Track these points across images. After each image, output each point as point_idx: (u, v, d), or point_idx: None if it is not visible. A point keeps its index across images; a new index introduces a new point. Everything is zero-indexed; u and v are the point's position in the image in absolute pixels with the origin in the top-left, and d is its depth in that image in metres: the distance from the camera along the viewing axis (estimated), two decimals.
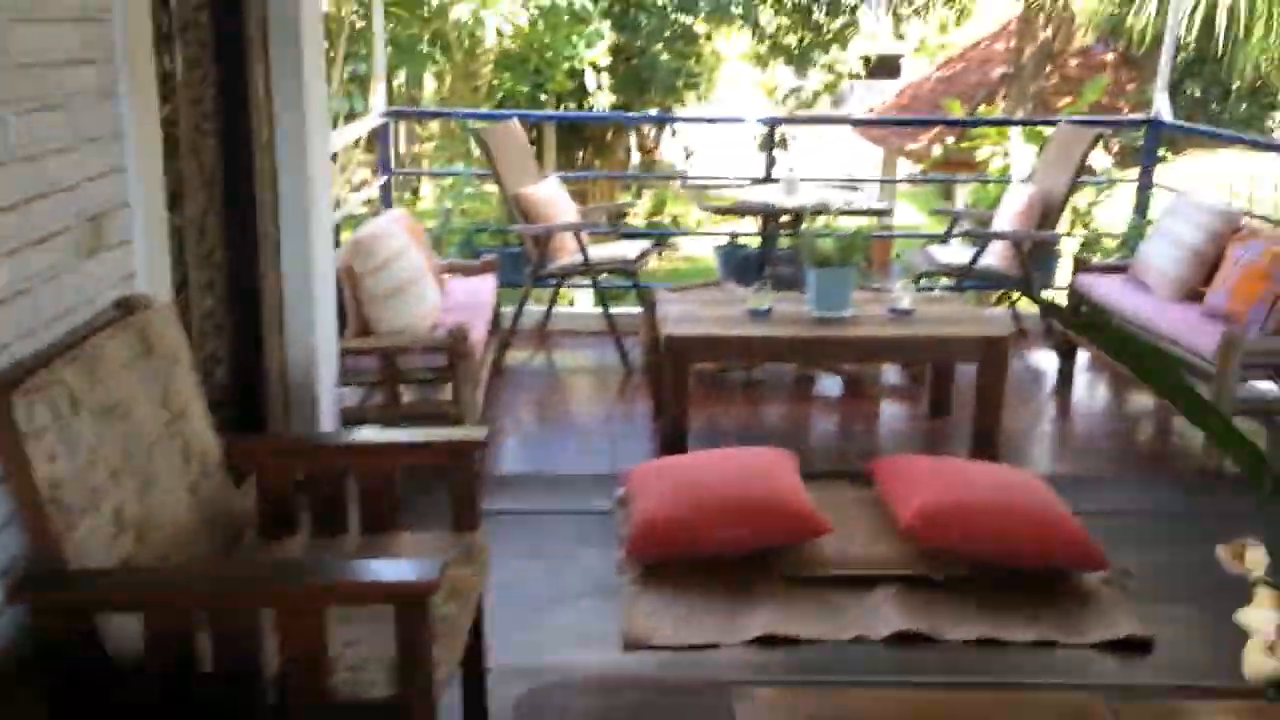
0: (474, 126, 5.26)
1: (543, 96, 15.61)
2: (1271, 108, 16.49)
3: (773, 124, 6.11)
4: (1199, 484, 4.09)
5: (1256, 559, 1.46)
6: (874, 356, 4.63)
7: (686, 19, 16.20)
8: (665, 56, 16.39)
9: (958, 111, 14.79)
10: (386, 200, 5.89)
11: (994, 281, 5.48)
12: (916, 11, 17.50)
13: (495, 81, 15.35)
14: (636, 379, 5.25)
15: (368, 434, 3.12)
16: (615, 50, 14.29)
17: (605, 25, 13.34)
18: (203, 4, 3.03)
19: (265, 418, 3.69)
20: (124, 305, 2.26)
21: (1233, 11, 9.23)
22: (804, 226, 4.31)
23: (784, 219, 5.47)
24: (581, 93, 14.60)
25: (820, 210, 4.87)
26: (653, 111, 18.28)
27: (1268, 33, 9.51)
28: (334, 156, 12.04)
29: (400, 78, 14.10)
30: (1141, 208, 5.91)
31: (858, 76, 29.61)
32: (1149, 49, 14.50)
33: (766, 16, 17.37)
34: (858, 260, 4.19)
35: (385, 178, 5.86)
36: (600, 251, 5.43)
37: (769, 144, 6.09)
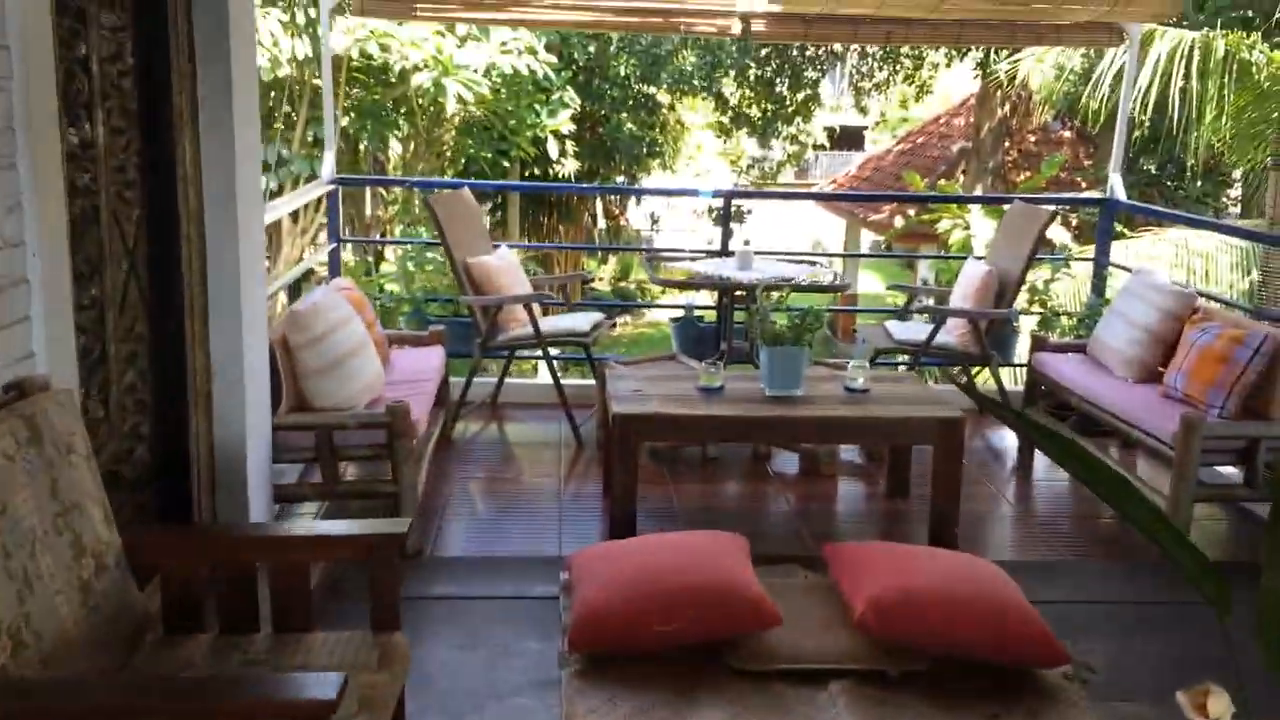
0: (424, 195, 5.11)
1: (506, 163, 15.64)
2: (1225, 185, 16.81)
3: (727, 196, 6.05)
4: (1160, 572, 3.99)
5: (1220, 709, 1.33)
6: (827, 437, 4.52)
7: (650, 89, 16.33)
8: (629, 126, 16.49)
9: (918, 185, 14.96)
10: (334, 268, 5.75)
11: (952, 359, 5.41)
12: (877, 86, 17.72)
13: (459, 147, 15.36)
14: (589, 454, 5.11)
15: (281, 527, 2.95)
16: (579, 119, 14.34)
17: (569, 94, 13.35)
18: (126, 70, 2.91)
19: (190, 499, 3.51)
20: (16, 389, 2.10)
21: (1185, 94, 9.37)
22: (759, 302, 4.20)
23: (739, 293, 5.38)
24: (546, 159, 14.61)
25: (773, 286, 4.78)
26: (619, 180, 18.41)
27: (1219, 114, 9.65)
28: (295, 216, 11.93)
29: (365, 142, 14.08)
30: (1098, 286, 5.90)
31: (822, 148, 30.06)
32: (1104, 127, 14.80)
33: (730, 88, 17.55)
34: (810, 339, 4.09)
35: (333, 245, 5.73)
36: (552, 323, 5.31)
37: (724, 217, 6.04)
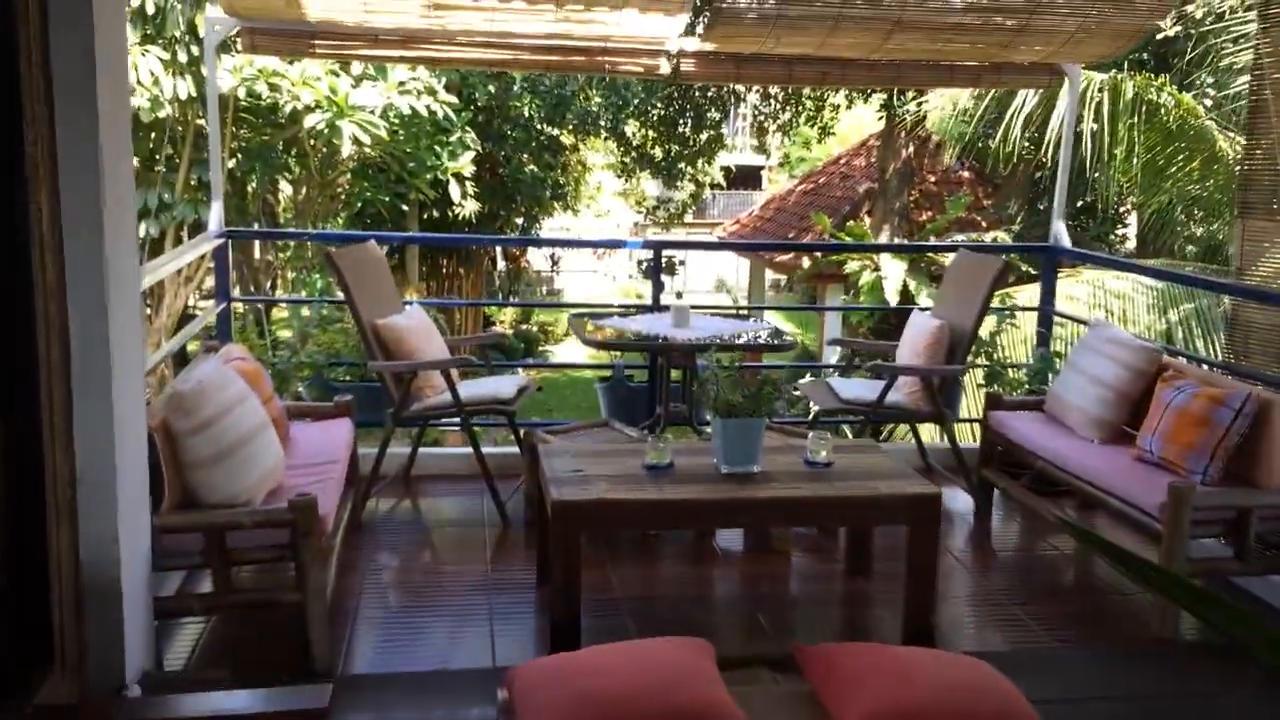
0: (327, 249, 4.59)
1: (404, 206, 15.05)
2: (1119, 224, 17.14)
3: (657, 248, 5.63)
4: (1156, 657, 3.67)
5: None
6: (794, 520, 4.12)
7: (553, 130, 15.95)
8: (531, 167, 16.07)
9: (825, 225, 14.88)
10: (224, 331, 5.15)
11: (903, 417, 5.07)
12: (781, 128, 17.67)
13: (354, 190, 14.72)
14: (515, 532, 4.62)
15: (161, 704, 2.40)
16: (480, 160, 13.85)
17: (470, 135, 12.88)
18: None
19: (51, 623, 2.93)
20: None
21: (1097, 137, 9.38)
22: (709, 368, 3.78)
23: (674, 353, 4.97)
24: (446, 202, 14.09)
25: (723, 347, 4.39)
26: (519, 221, 17.96)
27: (1127, 156, 9.68)
28: (183, 266, 11.12)
29: (254, 185, 13.39)
30: (1044, 336, 5.66)
31: (719, 187, 30.05)
32: (1007, 168, 14.93)
33: (632, 128, 17.29)
34: (768, 410, 3.69)
35: (222, 304, 5.14)
36: (472, 389, 4.81)
37: (655, 269, 5.62)
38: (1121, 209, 16.59)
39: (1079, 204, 16.65)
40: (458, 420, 4.75)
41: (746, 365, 5.16)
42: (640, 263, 19.96)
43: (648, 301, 5.63)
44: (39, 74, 2.60)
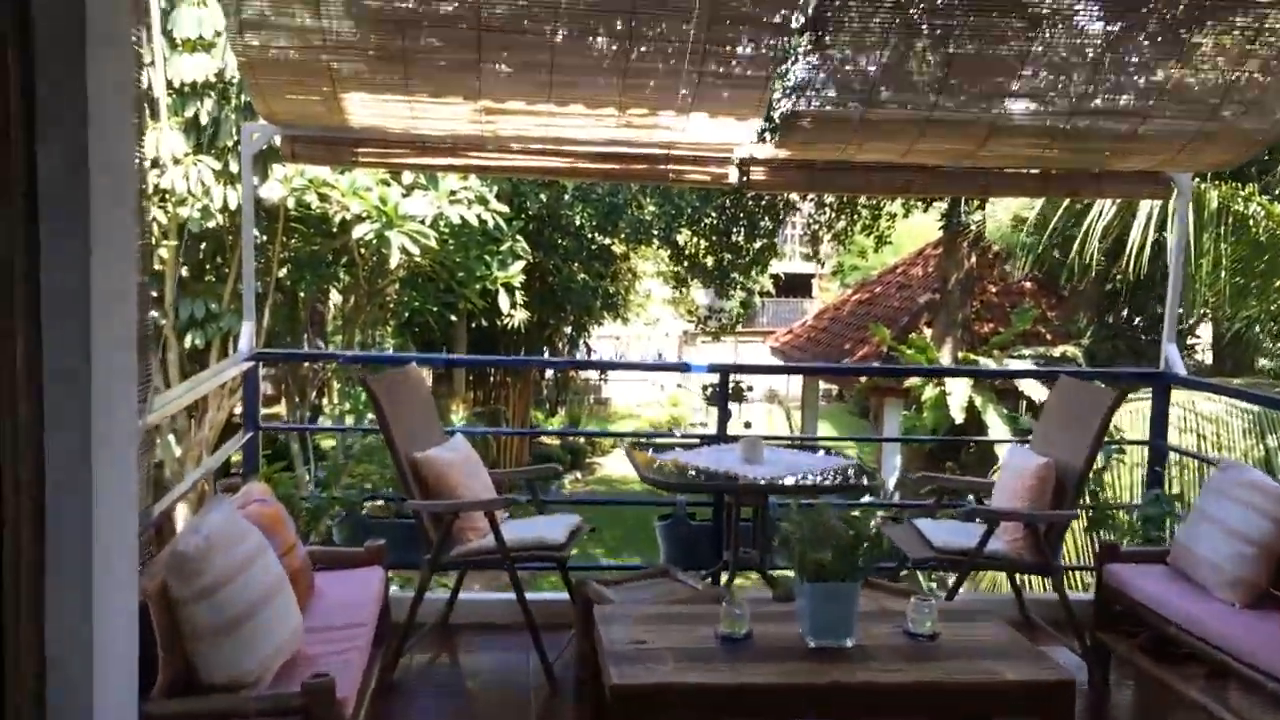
0: (363, 375, 4.16)
1: (453, 316, 14.79)
2: (1189, 335, 16.43)
3: (724, 372, 5.13)
4: None
5: None
6: (895, 711, 3.51)
7: (604, 239, 15.72)
8: (582, 276, 15.81)
9: (885, 337, 14.36)
10: (250, 461, 4.72)
11: (1003, 566, 4.48)
12: (836, 236, 17.33)
13: (403, 300, 14.51)
14: (564, 701, 4.07)
15: None
16: (530, 269, 13.59)
17: (521, 244, 12.63)
18: None
19: None
20: None
21: (1186, 247, 8.86)
22: (790, 520, 3.24)
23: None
24: (494, 311, 13.77)
25: (799, 488, 3.87)
26: (591, 340, 17.76)
27: (1214, 268, 9.13)
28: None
29: (303, 294, 13.23)
30: (1156, 475, 5.06)
31: (769, 294, 29.74)
32: (1078, 280, 14.40)
33: (684, 237, 17.02)
34: (865, 571, 3.15)
35: (249, 434, 4.71)
36: (519, 532, 4.31)
37: (721, 396, 5.11)
38: (1192, 321, 15.95)
39: (1138, 318, 16.06)
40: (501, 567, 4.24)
41: (815, 500, 4.60)
42: (706, 388, 19.43)
43: (711, 429, 5.13)
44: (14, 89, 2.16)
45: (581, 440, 25.70)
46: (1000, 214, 16.15)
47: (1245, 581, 3.83)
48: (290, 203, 10.72)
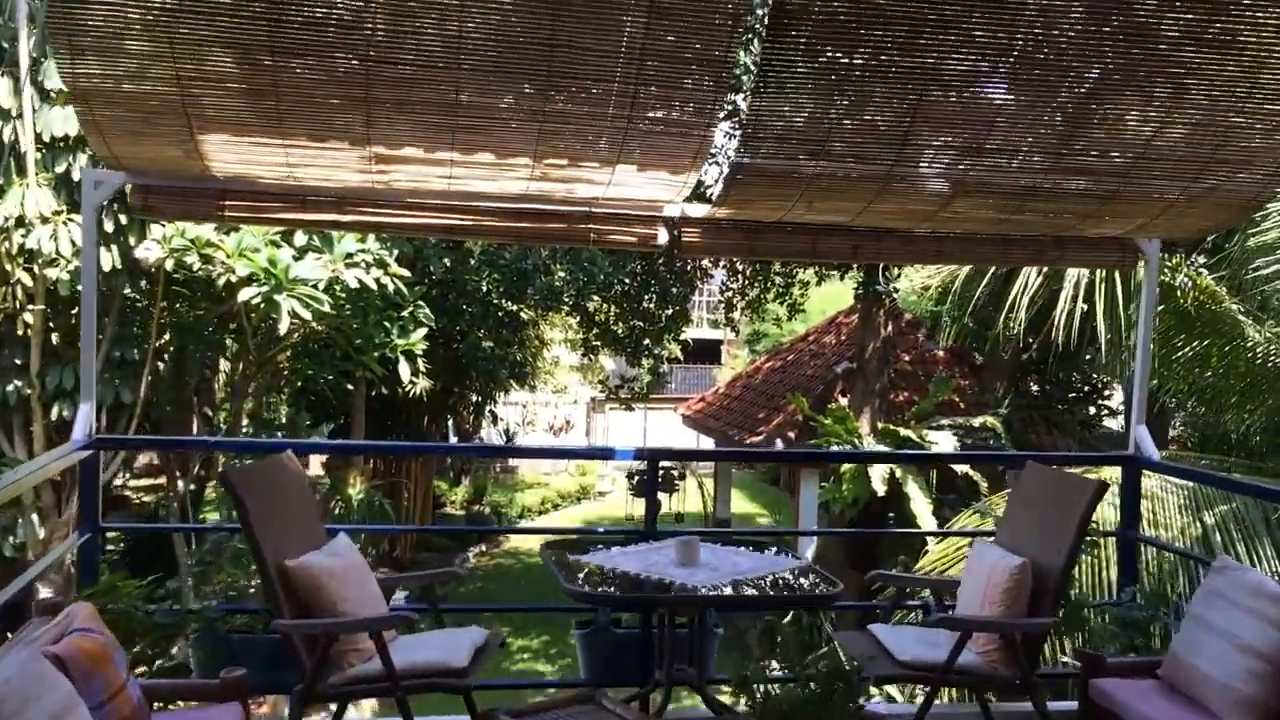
0: (223, 472, 3.44)
1: (349, 385, 13.95)
2: (1093, 401, 16.39)
3: (651, 458, 4.51)
4: None
5: None
6: None
7: (511, 306, 15.07)
8: (488, 344, 15.11)
9: (802, 406, 13.93)
10: (88, 569, 3.92)
11: (977, 683, 3.91)
12: (750, 304, 16.97)
13: (296, 368, 13.63)
14: None
15: None
16: (433, 335, 12.85)
17: (423, 311, 11.93)
18: None
19: None
20: None
21: (1088, 316, 8.65)
22: (753, 660, 2.64)
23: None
24: (396, 378, 12.96)
25: (745, 604, 3.26)
26: (499, 420, 16.77)
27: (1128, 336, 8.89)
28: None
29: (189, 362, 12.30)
30: (1129, 568, 4.58)
31: (678, 361, 29.35)
32: (991, 349, 14.21)
33: (594, 304, 16.46)
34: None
35: (87, 534, 3.93)
36: (413, 653, 3.60)
37: (650, 485, 4.47)
38: (1102, 388, 15.91)
39: (1050, 387, 15.97)
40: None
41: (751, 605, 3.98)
42: (631, 476, 18.54)
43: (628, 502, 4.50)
44: None
45: (487, 510, 24.75)
46: (905, 283, 16.02)
47: (1259, 704, 3.32)
48: (171, 264, 9.87)
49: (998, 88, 3.34)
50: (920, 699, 3.91)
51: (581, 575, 3.83)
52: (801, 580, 3.84)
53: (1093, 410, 15.65)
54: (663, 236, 4.17)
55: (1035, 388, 15.35)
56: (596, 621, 4.32)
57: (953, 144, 3.49)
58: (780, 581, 3.83)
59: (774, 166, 3.52)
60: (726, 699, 3.93)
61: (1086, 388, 15.79)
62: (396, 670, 3.44)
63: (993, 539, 4.32)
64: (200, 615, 3.95)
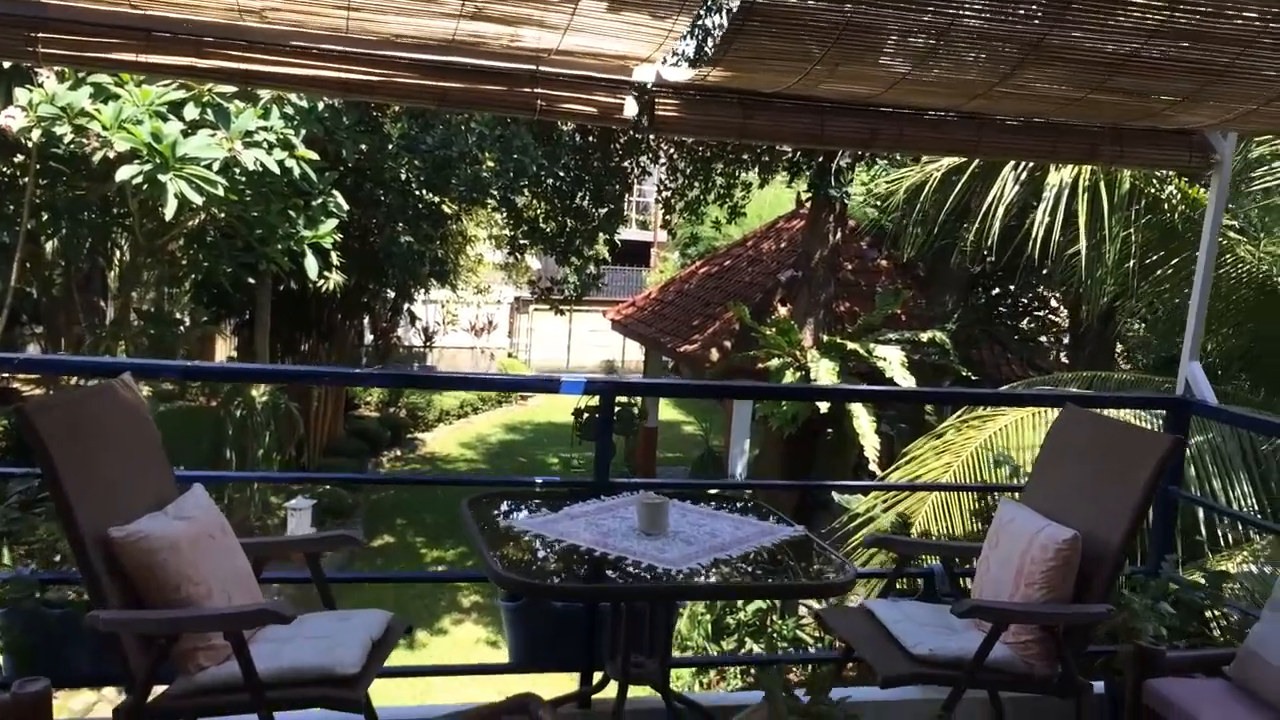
0: (19, 405, 2.47)
1: (252, 279, 12.71)
2: (1051, 323, 15.85)
3: (607, 392, 3.57)
4: None
5: None
6: None
7: (433, 198, 13.85)
8: (408, 238, 13.92)
9: (743, 315, 13.11)
10: None
11: (1010, 684, 3.13)
12: (689, 205, 15.99)
13: (192, 259, 12.33)
14: None
15: None
16: (347, 226, 11.64)
17: (335, 200, 10.73)
18: None
19: None
20: None
21: (1052, 229, 7.90)
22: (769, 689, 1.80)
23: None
24: (305, 272, 11.76)
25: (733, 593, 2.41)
26: (418, 319, 15.39)
27: (1123, 258, 8.19)
28: None
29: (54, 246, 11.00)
30: (1165, 534, 3.84)
31: (605, 263, 28.42)
32: (941, 262, 13.47)
33: (523, 200, 15.29)
34: None
35: None
36: (284, 653, 2.70)
37: (602, 425, 3.54)
38: (1055, 308, 15.35)
39: (997, 299, 15.36)
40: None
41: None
42: (579, 413, 16.32)
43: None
44: None
45: (403, 413, 23.68)
46: (858, 187, 15.14)
47: None
48: (39, 135, 8.55)
49: None
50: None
51: (517, 550, 2.94)
52: (800, 559, 3.00)
53: (1034, 327, 15.12)
54: (631, 108, 3.20)
55: (984, 305, 14.73)
56: (521, 603, 3.44)
57: None
58: (773, 559, 2.98)
59: (798, 9, 2.56)
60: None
61: (1036, 304, 15.24)
62: (260, 677, 2.55)
63: (1018, 496, 3.54)
64: (10, 586, 2.99)
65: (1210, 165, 3.69)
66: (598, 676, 3.41)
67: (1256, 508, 6.22)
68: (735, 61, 2.81)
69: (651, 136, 14.81)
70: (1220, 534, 6.07)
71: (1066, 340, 15.51)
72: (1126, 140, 3.57)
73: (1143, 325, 11.83)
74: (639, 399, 17.00)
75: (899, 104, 3.26)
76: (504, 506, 3.24)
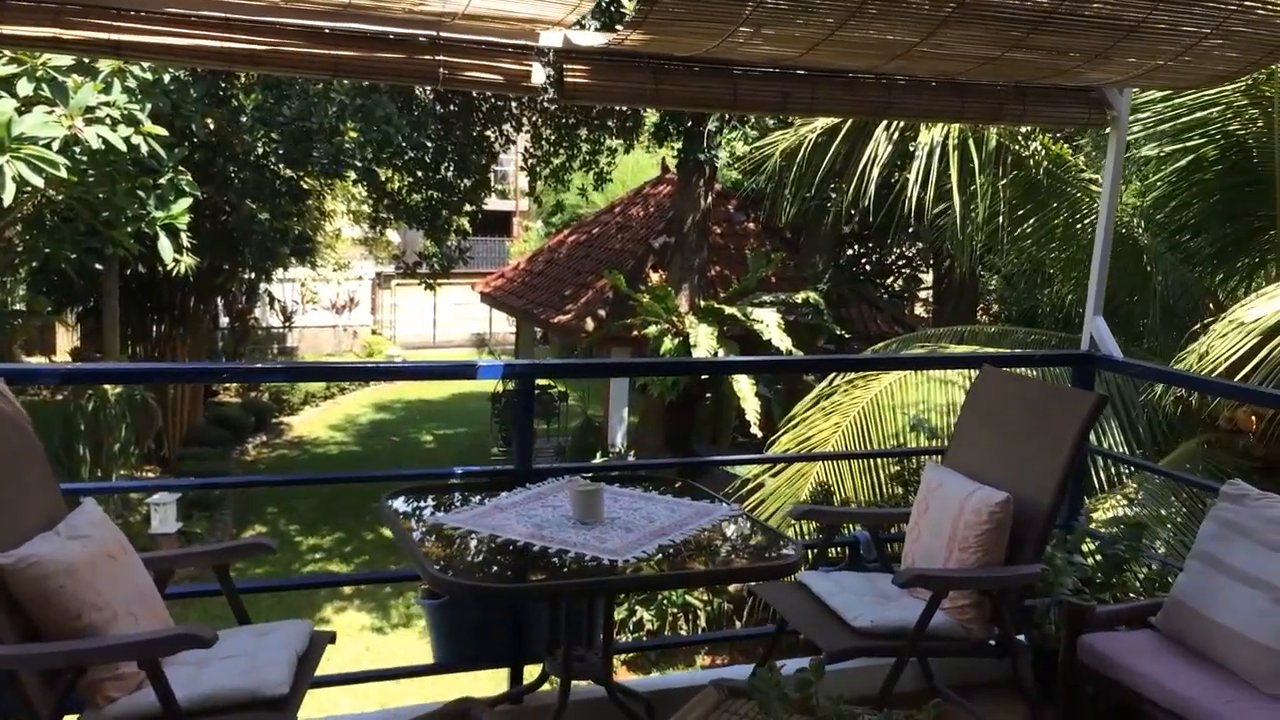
0: None
1: (99, 264, 11.97)
2: (917, 280, 16.27)
3: (527, 376, 3.40)
4: None
5: None
6: None
7: (291, 173, 13.25)
8: (264, 215, 13.31)
9: (620, 283, 13.02)
10: None
11: (951, 650, 3.14)
12: (554, 173, 15.76)
13: (31, 245, 11.52)
14: None
15: None
16: (199, 205, 11.01)
17: (185, 178, 10.15)
18: None
19: None
20: None
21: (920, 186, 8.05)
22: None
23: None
24: (156, 255, 11.06)
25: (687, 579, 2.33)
26: (276, 300, 14.55)
27: (990, 209, 8.40)
28: None
29: None
30: (1077, 485, 3.93)
31: (467, 234, 27.95)
32: (812, 222, 13.64)
33: (384, 172, 14.78)
34: None
35: None
36: (199, 680, 2.49)
37: (523, 411, 3.36)
38: (919, 265, 15.78)
39: (866, 258, 15.68)
40: None
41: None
42: (496, 398, 16.33)
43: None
44: None
45: (266, 397, 22.80)
46: (725, 152, 15.16)
47: None
48: None
49: None
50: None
51: (450, 549, 2.77)
52: (742, 539, 2.92)
53: (899, 285, 15.50)
54: (539, 74, 3.03)
55: (853, 264, 15.01)
56: (441, 602, 3.28)
57: None
58: (714, 542, 2.90)
59: None
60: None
61: (901, 261, 15.61)
62: (180, 706, 2.34)
63: (941, 460, 3.55)
64: None
65: (1108, 121, 3.75)
66: (528, 671, 3.29)
67: (1127, 452, 6.51)
68: (657, 24, 2.68)
69: (514, 104, 14.51)
70: (1094, 480, 6.32)
71: (929, 296, 15.98)
72: (1029, 99, 3.59)
73: (1004, 280, 12.23)
74: (559, 382, 16.77)
75: (817, 66, 3.19)
76: (427, 501, 3.06)
